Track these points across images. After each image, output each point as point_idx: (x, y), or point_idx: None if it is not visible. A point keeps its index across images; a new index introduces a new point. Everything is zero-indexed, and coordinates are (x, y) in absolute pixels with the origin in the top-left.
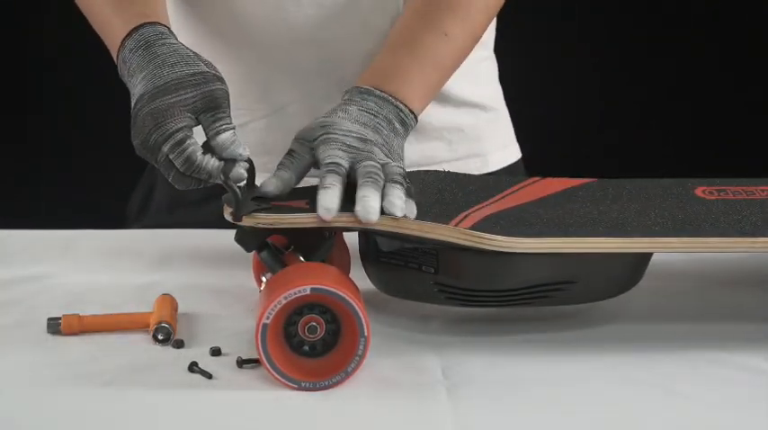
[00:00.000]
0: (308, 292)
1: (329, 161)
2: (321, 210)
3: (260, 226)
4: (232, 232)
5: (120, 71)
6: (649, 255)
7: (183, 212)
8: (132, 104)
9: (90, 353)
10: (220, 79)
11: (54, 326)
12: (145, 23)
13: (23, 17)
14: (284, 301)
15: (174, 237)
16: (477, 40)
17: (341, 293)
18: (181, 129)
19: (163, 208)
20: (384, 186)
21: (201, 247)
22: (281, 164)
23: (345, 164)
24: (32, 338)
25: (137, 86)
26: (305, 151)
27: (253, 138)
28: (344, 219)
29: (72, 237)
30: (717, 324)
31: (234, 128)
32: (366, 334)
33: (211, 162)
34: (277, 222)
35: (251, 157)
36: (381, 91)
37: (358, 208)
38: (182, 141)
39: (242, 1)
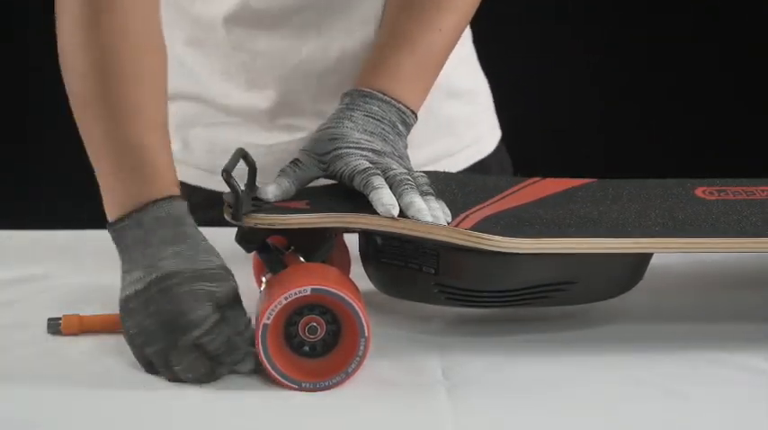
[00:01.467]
0: (309, 293)
1: (363, 168)
2: (384, 209)
3: (259, 226)
4: (232, 232)
5: (125, 225)
6: (649, 255)
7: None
8: (147, 275)
9: (90, 353)
10: (233, 276)
11: (54, 327)
12: (174, 196)
13: (23, 17)
14: (284, 302)
15: None
16: (464, 29)
17: (341, 294)
18: (215, 318)
19: None
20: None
21: None
22: (283, 171)
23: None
24: (32, 338)
25: (165, 260)
26: (312, 163)
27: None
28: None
29: (72, 238)
30: (717, 324)
31: (250, 318)
32: (366, 334)
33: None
34: (277, 222)
35: (253, 159)
36: (383, 94)
37: (410, 213)
38: (217, 324)
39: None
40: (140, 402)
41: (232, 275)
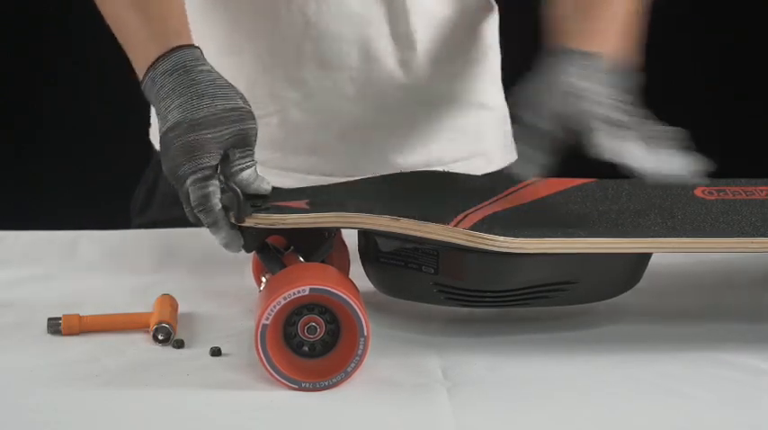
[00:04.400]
0: (307, 293)
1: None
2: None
3: (260, 226)
4: None
5: (147, 89)
6: (649, 255)
7: None
8: (162, 128)
9: (90, 353)
10: (252, 116)
11: (54, 327)
12: (182, 46)
13: (23, 16)
14: (283, 302)
15: (174, 237)
16: None
17: (340, 293)
18: (211, 166)
19: (167, 202)
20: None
21: (201, 247)
22: (521, 139)
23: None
24: (32, 338)
25: (171, 112)
26: (552, 125)
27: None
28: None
29: (72, 238)
30: (717, 324)
31: (256, 163)
32: (366, 333)
33: (220, 211)
34: (277, 222)
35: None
36: (593, 54)
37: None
38: (206, 178)
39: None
40: (140, 402)
41: (245, 112)
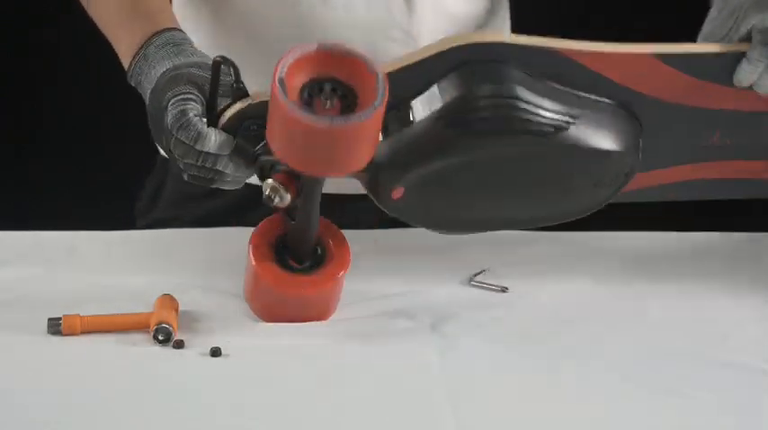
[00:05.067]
0: (314, 50)
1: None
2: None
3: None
4: (232, 232)
5: (138, 67)
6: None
7: (193, 206)
8: (153, 85)
9: (90, 353)
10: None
11: (54, 327)
12: (171, 28)
13: (23, 16)
14: (292, 60)
15: (174, 236)
16: None
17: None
18: (192, 93)
19: (171, 203)
20: None
21: (202, 247)
22: None
23: None
24: (32, 338)
25: (159, 70)
26: None
27: None
28: None
29: (72, 238)
30: (717, 324)
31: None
32: (381, 76)
33: (198, 120)
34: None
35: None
36: None
37: None
38: (185, 100)
39: (256, 1)
40: (140, 402)
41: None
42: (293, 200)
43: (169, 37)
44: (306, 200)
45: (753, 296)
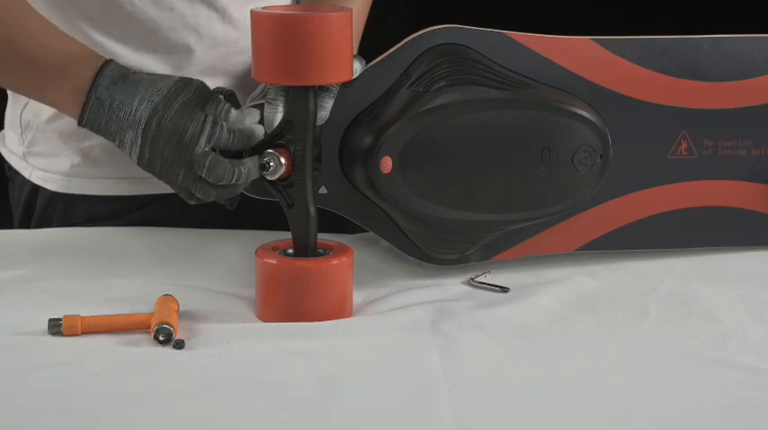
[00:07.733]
0: None
1: None
2: None
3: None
4: (232, 232)
5: (93, 113)
6: None
7: (191, 215)
8: (140, 127)
9: (91, 353)
10: (190, 78)
11: (55, 327)
12: (104, 62)
13: None
14: None
15: (174, 237)
16: None
17: None
18: (207, 119)
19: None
20: None
21: (201, 247)
22: None
23: None
24: (33, 339)
25: (137, 110)
26: None
27: None
28: None
29: (72, 238)
30: (716, 324)
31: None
32: None
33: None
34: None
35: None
36: None
37: None
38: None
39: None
40: (141, 402)
41: (186, 78)
42: (288, 174)
43: (111, 73)
44: (298, 172)
45: (753, 296)
